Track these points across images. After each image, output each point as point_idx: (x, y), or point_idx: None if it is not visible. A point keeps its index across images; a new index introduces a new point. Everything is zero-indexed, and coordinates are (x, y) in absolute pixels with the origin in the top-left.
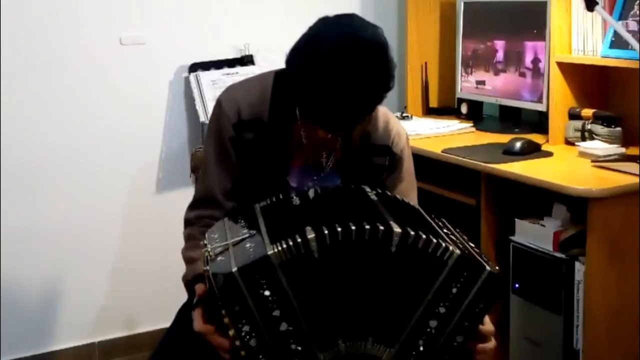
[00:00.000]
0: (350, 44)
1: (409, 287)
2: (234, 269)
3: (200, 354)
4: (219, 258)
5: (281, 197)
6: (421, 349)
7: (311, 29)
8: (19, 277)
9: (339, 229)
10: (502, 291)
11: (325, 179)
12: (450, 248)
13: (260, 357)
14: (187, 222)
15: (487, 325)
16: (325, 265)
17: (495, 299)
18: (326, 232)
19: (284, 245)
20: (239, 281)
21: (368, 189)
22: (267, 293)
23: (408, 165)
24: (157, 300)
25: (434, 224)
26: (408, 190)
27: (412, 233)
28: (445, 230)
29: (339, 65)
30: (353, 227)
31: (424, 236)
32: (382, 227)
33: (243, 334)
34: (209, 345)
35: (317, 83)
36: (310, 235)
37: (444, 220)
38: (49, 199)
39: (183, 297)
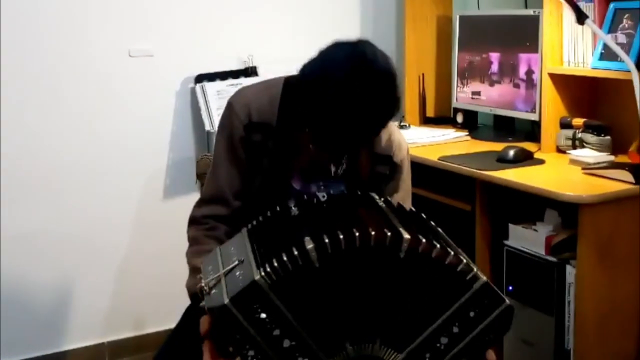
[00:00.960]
0: (364, 75)
1: (427, 299)
2: (226, 301)
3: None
4: (213, 291)
5: (278, 209)
6: None
7: (324, 53)
8: (32, 280)
9: (341, 237)
10: (510, 326)
11: (331, 185)
12: (478, 272)
13: None
14: (193, 220)
15: (490, 355)
16: (326, 273)
17: (507, 329)
18: (327, 240)
19: (274, 265)
20: (233, 311)
21: (376, 197)
22: (263, 316)
23: (406, 175)
24: (164, 302)
25: (450, 240)
26: (404, 199)
27: (424, 240)
28: (457, 249)
29: (352, 96)
30: (357, 234)
31: (449, 250)
32: (389, 233)
33: (249, 358)
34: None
35: (329, 110)
36: (309, 245)
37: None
38: (61, 206)
39: (188, 299)
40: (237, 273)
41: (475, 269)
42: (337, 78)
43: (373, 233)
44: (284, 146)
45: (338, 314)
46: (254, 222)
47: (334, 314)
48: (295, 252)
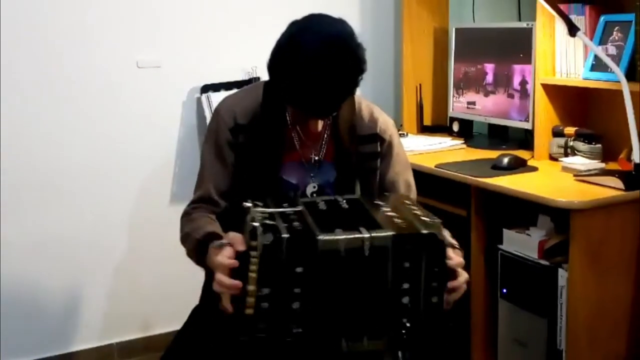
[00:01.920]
0: (323, 37)
1: (375, 281)
2: (285, 235)
3: (209, 351)
4: (267, 221)
5: (309, 198)
6: (407, 325)
7: (284, 33)
8: (43, 283)
9: (366, 235)
10: (444, 243)
11: (322, 173)
12: (385, 232)
13: (262, 323)
14: (185, 214)
15: (454, 259)
16: (332, 270)
17: (444, 250)
18: (352, 236)
19: (329, 237)
20: (284, 247)
21: (340, 199)
22: (299, 270)
23: (398, 148)
24: (171, 304)
25: (370, 209)
26: (402, 171)
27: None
28: (384, 209)
29: (317, 60)
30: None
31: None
32: (367, 235)
33: (260, 294)
34: (218, 343)
35: (301, 77)
36: (341, 236)
37: (386, 194)
38: (71, 211)
39: (195, 300)
40: (296, 223)
41: (382, 233)
42: (302, 46)
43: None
44: (271, 142)
45: (341, 309)
46: (308, 199)
47: (333, 310)
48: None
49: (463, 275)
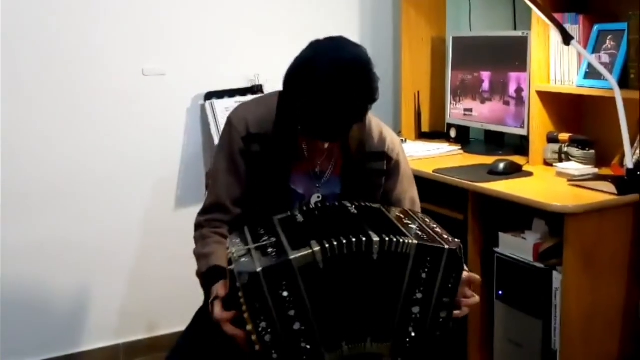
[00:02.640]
0: (339, 64)
1: (389, 286)
2: (259, 269)
3: (213, 352)
4: (243, 259)
5: (289, 213)
6: (413, 334)
7: (304, 52)
8: (52, 285)
9: (336, 243)
10: (463, 262)
11: (327, 186)
12: (408, 241)
13: (273, 352)
14: (198, 226)
15: (471, 276)
16: (328, 274)
17: (462, 269)
18: (327, 245)
19: (302, 253)
20: (262, 280)
21: (348, 204)
22: (285, 294)
23: (405, 168)
24: (176, 305)
25: (394, 220)
26: (408, 188)
27: (387, 239)
28: (406, 221)
29: (331, 84)
30: (353, 240)
31: (393, 239)
32: (364, 239)
33: (260, 329)
34: (221, 343)
35: (314, 101)
36: (316, 247)
37: (406, 210)
38: (79, 215)
39: (199, 302)
40: (270, 250)
41: (403, 240)
42: (317, 70)
43: (354, 240)
44: (282, 152)
45: (337, 313)
46: (284, 215)
47: (335, 313)
48: (310, 250)
49: (476, 298)
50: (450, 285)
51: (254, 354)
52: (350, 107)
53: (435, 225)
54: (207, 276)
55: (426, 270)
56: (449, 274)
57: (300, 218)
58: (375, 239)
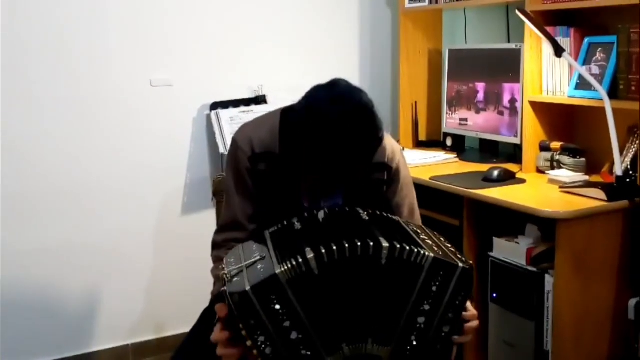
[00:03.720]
0: (343, 111)
1: (398, 292)
2: (248, 288)
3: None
4: (235, 279)
5: (286, 222)
6: (414, 343)
7: (307, 98)
8: (64, 288)
9: (334, 248)
10: (475, 285)
11: (331, 199)
12: (425, 253)
13: None
14: (215, 245)
15: (471, 310)
16: (325, 279)
17: (471, 289)
18: (323, 251)
19: (290, 265)
20: (252, 298)
21: (361, 210)
22: (277, 307)
23: (405, 174)
24: (183, 307)
25: (412, 232)
26: (408, 195)
27: (398, 246)
28: (422, 236)
29: (335, 129)
30: (347, 245)
31: (406, 247)
32: (372, 243)
33: (259, 343)
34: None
35: (319, 147)
36: (310, 255)
37: (422, 226)
38: (90, 220)
39: (204, 303)
40: (259, 266)
41: (421, 251)
42: (323, 119)
43: (359, 244)
44: (288, 170)
45: (336, 315)
46: (275, 228)
47: (333, 316)
48: (301, 259)
49: (475, 322)
50: (457, 302)
51: None
52: (355, 148)
53: (449, 245)
54: (217, 298)
55: (437, 283)
56: (458, 291)
57: (298, 226)
58: (385, 244)
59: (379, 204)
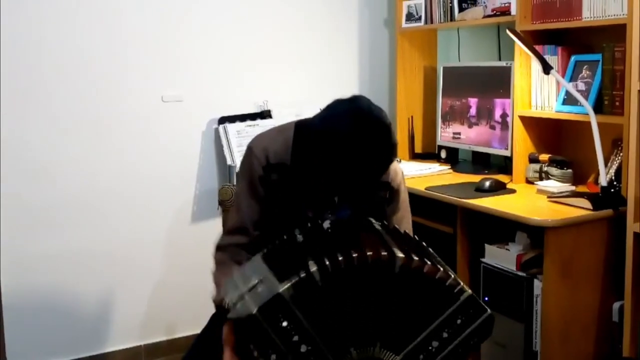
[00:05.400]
0: (363, 126)
1: (420, 308)
2: (254, 311)
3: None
4: (238, 305)
5: (285, 237)
6: None
7: (328, 109)
8: (80, 292)
9: (340, 258)
10: (492, 331)
11: (338, 212)
12: (464, 286)
13: None
14: (219, 248)
15: None
16: (330, 289)
17: (488, 336)
18: (327, 262)
19: (292, 282)
20: (260, 319)
21: (374, 221)
22: (284, 324)
23: (404, 196)
24: (193, 309)
25: (433, 255)
26: (404, 217)
27: (429, 262)
28: (439, 259)
29: (354, 145)
30: (354, 255)
31: (450, 275)
32: (384, 253)
33: None
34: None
35: (337, 160)
36: (313, 268)
37: (435, 254)
38: (105, 229)
39: (212, 307)
40: (260, 289)
41: (461, 283)
42: (341, 131)
43: (370, 253)
44: (299, 182)
45: (343, 322)
46: (265, 250)
47: (340, 323)
48: (303, 274)
49: None
50: (471, 342)
51: None
52: (371, 163)
53: (449, 268)
54: (219, 309)
55: (463, 318)
56: (477, 332)
57: (300, 238)
58: (400, 255)
59: (380, 220)
